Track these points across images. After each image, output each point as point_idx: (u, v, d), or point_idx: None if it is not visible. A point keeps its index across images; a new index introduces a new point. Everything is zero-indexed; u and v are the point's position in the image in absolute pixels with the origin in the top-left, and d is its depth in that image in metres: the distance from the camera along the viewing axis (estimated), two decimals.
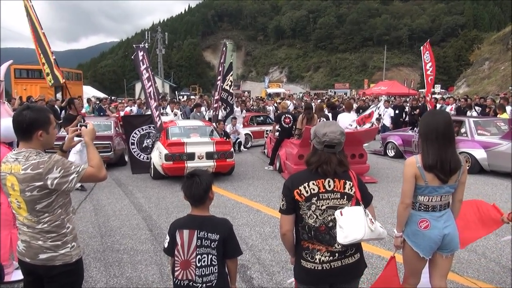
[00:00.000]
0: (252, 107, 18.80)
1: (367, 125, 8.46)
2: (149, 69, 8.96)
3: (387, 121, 15.41)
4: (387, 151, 11.88)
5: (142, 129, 9.39)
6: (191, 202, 2.36)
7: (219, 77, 11.59)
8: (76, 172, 2.17)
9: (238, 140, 12.92)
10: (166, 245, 2.36)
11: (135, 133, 9.35)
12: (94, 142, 2.42)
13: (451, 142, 2.59)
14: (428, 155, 2.58)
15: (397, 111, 15.46)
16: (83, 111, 13.74)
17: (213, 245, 2.28)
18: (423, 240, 2.65)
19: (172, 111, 12.61)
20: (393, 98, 26.89)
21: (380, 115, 16.09)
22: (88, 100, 18.11)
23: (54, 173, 2.12)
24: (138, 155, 9.31)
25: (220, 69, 11.64)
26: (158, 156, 8.31)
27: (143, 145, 9.36)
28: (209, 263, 2.27)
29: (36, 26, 6.39)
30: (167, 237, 2.36)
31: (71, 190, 2.20)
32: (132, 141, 9.36)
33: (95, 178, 2.26)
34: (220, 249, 2.29)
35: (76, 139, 2.53)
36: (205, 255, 2.27)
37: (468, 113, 12.85)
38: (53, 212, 2.20)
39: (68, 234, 2.27)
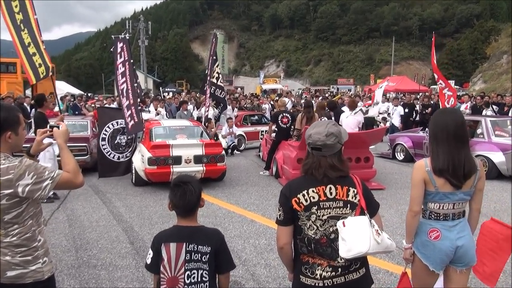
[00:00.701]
0: (245, 105, 18.82)
1: (375, 108, 8.55)
2: (126, 63, 8.89)
3: (396, 121, 15.48)
4: (396, 154, 11.95)
5: (117, 122, 9.01)
6: (180, 212, 2.36)
7: (207, 72, 11.61)
8: (50, 178, 2.15)
9: (233, 143, 12.92)
10: (148, 261, 2.34)
11: (109, 126, 9.00)
12: (68, 145, 2.41)
13: (464, 143, 2.62)
14: (438, 157, 2.60)
15: (406, 110, 15.55)
16: (56, 109, 13.65)
17: (204, 258, 2.28)
18: (433, 252, 2.66)
19: (155, 110, 12.57)
20: (402, 95, 27.08)
21: (388, 113, 16.19)
22: (62, 97, 18.00)
23: (26, 179, 2.09)
24: (108, 153, 8.88)
25: (208, 62, 11.67)
26: (140, 160, 8.29)
27: (115, 142, 8.95)
28: (199, 279, 2.27)
29: (29, 11, 6.41)
30: (150, 251, 2.35)
31: (44, 198, 2.19)
32: (104, 135, 8.92)
33: (71, 185, 2.25)
34: (211, 263, 2.29)
35: (45, 141, 2.51)
36: (195, 271, 2.27)
37: (485, 112, 12.97)
38: (23, 223, 2.17)
39: (39, 248, 2.25)
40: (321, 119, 8.93)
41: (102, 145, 8.90)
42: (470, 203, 2.74)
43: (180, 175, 2.45)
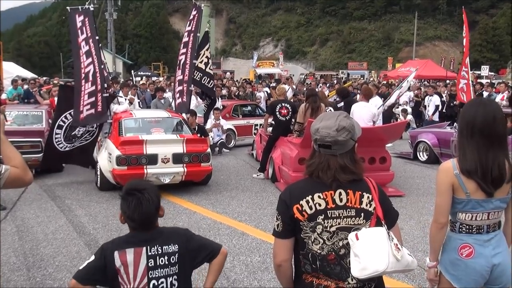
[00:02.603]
0: (236, 93, 18.81)
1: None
2: (90, 41, 8.87)
3: (432, 113, 15.52)
4: (418, 154, 12.03)
5: None
6: (136, 226, 2.36)
7: (183, 50, 11.46)
8: None
9: (221, 140, 12.90)
10: (82, 266, 2.30)
11: (70, 113, 8.92)
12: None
13: (501, 142, 2.63)
14: (465, 157, 2.62)
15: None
16: (3, 96, 13.53)
17: (172, 260, 2.32)
18: (465, 273, 2.67)
19: (126, 98, 12.47)
20: (426, 82, 27.23)
21: (425, 105, 16.23)
22: (13, 81, 17.78)
23: None
24: (58, 142, 8.79)
25: (187, 39, 11.52)
26: (107, 159, 8.26)
27: (72, 133, 8.92)
28: (168, 287, 2.32)
29: None
30: (91, 257, 2.34)
31: None
32: (62, 123, 8.84)
33: (21, 182, 2.30)
34: (182, 263, 2.34)
35: None
36: (163, 279, 2.31)
37: None
38: None
39: None
40: (327, 111, 8.96)
41: (56, 134, 8.72)
42: (506, 212, 2.76)
43: (133, 181, 2.46)
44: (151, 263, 2.29)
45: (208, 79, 11.83)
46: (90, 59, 8.84)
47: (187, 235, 2.43)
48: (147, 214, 2.31)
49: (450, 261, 2.72)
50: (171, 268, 2.32)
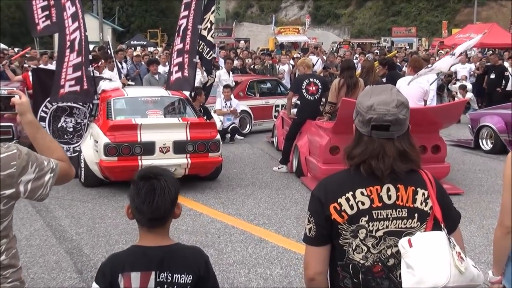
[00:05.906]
0: (252, 66, 18.75)
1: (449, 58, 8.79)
2: (76, 2, 8.86)
3: None
4: (481, 141, 11.93)
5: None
6: (145, 221, 2.34)
7: (185, 13, 11.36)
8: (50, 170, 2.28)
9: (233, 124, 12.88)
10: None
11: (50, 102, 9.08)
12: None
13: None
14: None
15: (492, 76, 15.55)
16: None
17: None
18: None
19: (99, 73, 12.31)
20: (489, 52, 26.82)
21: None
22: None
23: (29, 173, 2.22)
24: None
25: (195, 2, 11.47)
26: (92, 148, 8.31)
27: (58, 125, 9.06)
28: None
29: None
30: (94, 286, 2.35)
31: (44, 198, 2.33)
32: (43, 114, 9.04)
33: (68, 177, 2.46)
34: None
35: None
36: None
37: None
38: (9, 236, 2.31)
39: (20, 268, 2.41)
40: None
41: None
42: None
43: (149, 166, 2.44)
44: None
45: (208, 49, 11.81)
46: (76, 23, 8.83)
47: (208, 267, 2.39)
48: (159, 206, 2.27)
49: None
50: None
